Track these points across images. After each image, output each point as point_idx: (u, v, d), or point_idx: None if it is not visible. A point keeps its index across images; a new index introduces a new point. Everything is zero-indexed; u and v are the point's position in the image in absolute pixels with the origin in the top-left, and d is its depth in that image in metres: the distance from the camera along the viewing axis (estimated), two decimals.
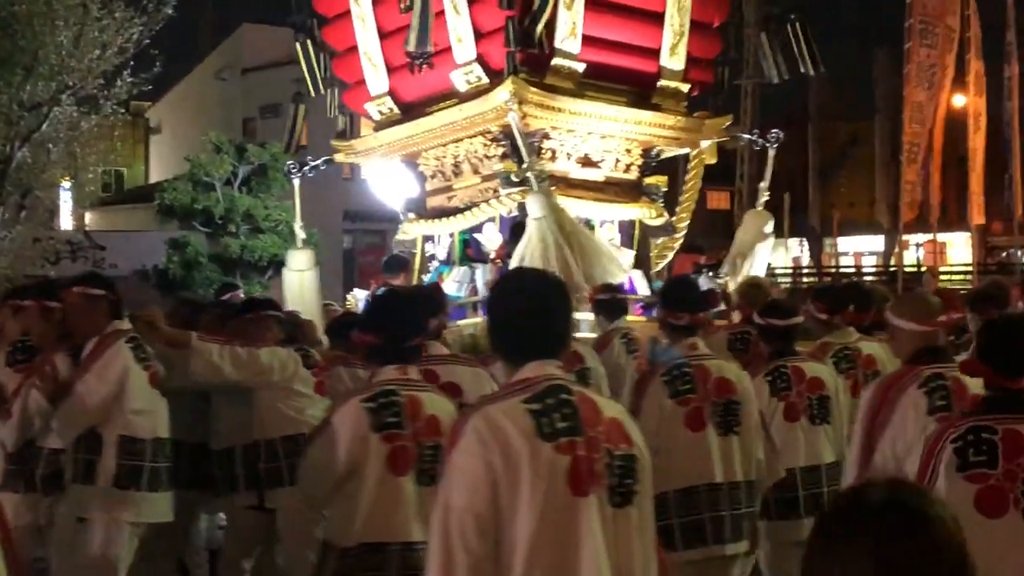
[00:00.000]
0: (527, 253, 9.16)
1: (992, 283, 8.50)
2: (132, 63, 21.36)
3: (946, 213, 28.37)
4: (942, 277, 27.09)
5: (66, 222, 32.06)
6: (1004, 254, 38.38)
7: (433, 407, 4.49)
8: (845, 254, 45.58)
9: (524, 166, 9.54)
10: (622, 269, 9.75)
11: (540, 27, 9.43)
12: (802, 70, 11.54)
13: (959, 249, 40.16)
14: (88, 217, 33.65)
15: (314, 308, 10.66)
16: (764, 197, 11.58)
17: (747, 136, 11.75)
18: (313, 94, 11.41)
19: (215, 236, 26.65)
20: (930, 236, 30.13)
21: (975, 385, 4.65)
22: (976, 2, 25.95)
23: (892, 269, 33.10)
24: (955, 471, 3.81)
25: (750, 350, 7.34)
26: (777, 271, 40.56)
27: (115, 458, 5.76)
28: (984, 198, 25.98)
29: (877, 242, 43.43)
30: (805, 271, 41.62)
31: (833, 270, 40.13)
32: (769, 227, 11.21)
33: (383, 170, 11.44)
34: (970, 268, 29.98)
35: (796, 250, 45.00)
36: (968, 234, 33.55)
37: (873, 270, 40.56)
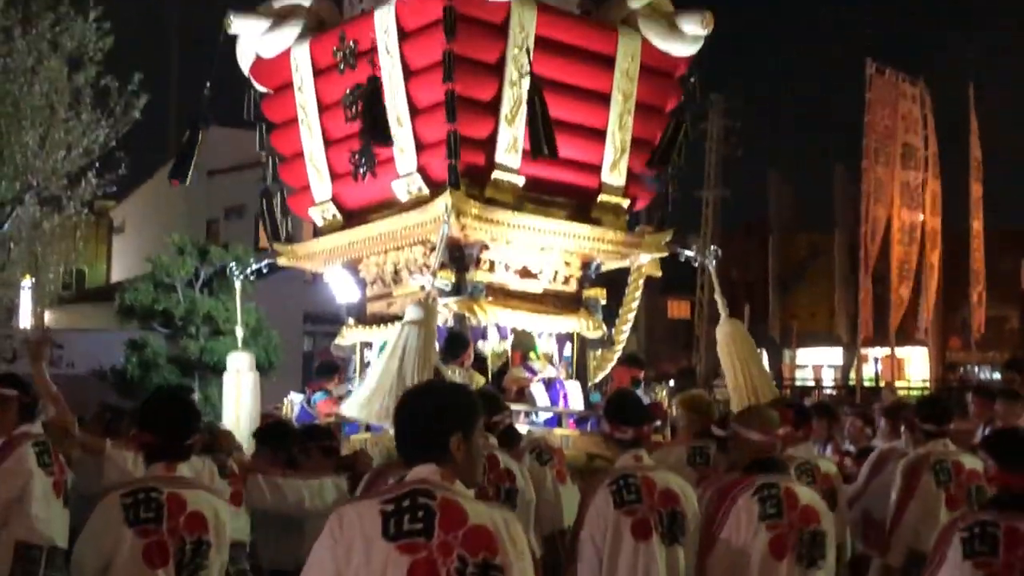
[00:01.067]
0: (387, 352, 9.16)
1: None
2: (97, 164, 21.41)
3: (904, 328, 28.71)
4: (899, 392, 27.22)
5: (25, 320, 31.86)
6: (962, 370, 38.69)
7: (197, 504, 4.71)
8: (804, 366, 45.80)
9: (428, 278, 9.58)
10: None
11: (543, 137, 9.59)
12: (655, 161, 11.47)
13: (917, 365, 40.46)
14: (48, 315, 33.46)
15: (250, 410, 10.68)
16: (725, 310, 11.28)
17: (687, 252, 11.79)
18: (175, 183, 11.48)
19: (175, 337, 26.51)
20: (888, 350, 30.40)
21: (806, 496, 5.23)
22: (935, 122, 26.60)
23: (851, 383, 33.28)
24: (960, 558, 4.56)
25: (711, 463, 7.38)
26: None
27: (11, 563, 5.72)
28: (943, 315, 26.36)
29: (836, 355, 43.69)
30: None
31: (793, 382, 40.28)
32: (745, 331, 10.84)
33: (339, 275, 11.49)
34: (927, 384, 30.28)
35: None
36: (926, 349, 33.93)
37: (832, 383, 40.76)
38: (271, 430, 7.41)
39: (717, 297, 11.43)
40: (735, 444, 5.37)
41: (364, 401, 8.54)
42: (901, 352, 36.19)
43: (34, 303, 28.09)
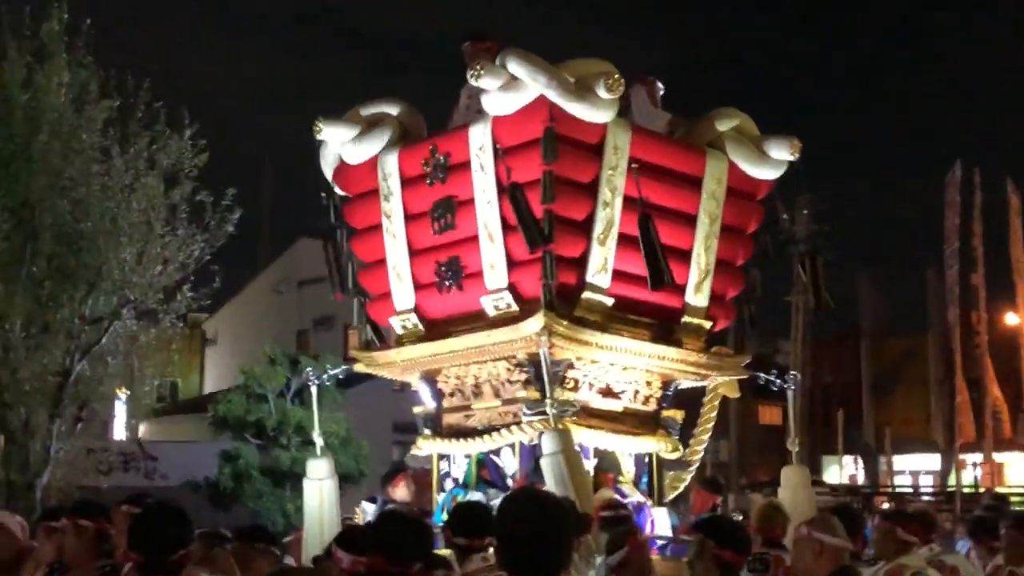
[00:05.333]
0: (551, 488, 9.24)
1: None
2: (192, 278, 21.80)
3: (1002, 433, 28.08)
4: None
5: (119, 432, 32.31)
6: None
7: None
8: (901, 472, 44.84)
9: (548, 401, 9.63)
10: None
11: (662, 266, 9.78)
12: (812, 307, 11.88)
13: (1017, 469, 39.43)
14: (142, 427, 33.93)
15: (331, 517, 10.72)
16: (795, 449, 11.56)
17: (765, 376, 11.78)
18: (333, 296, 11.48)
19: (267, 448, 26.76)
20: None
21: None
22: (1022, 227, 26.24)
23: (950, 490, 32.47)
24: None
25: (771, 571, 7.46)
26: (833, 488, 40.02)
27: None
28: None
29: (933, 460, 42.77)
30: (862, 489, 40.97)
31: (890, 489, 39.39)
32: (808, 480, 11.20)
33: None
34: None
35: (851, 467, 44.36)
36: None
37: (931, 490, 39.83)
38: (353, 535, 7.40)
39: (792, 435, 11.57)
40: (818, 551, 5.42)
41: None
42: (1000, 457, 35.33)
43: (129, 416, 28.55)
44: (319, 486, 11.09)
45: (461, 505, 7.43)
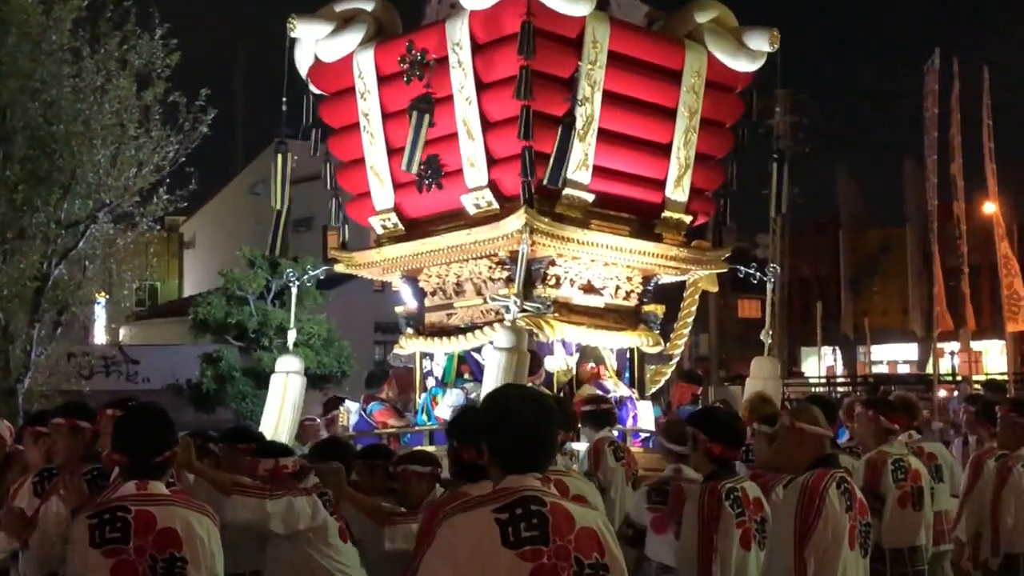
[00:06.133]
0: (487, 378, 9.33)
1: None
2: (168, 180, 21.60)
3: (980, 321, 28.27)
4: (976, 386, 26.77)
5: (100, 337, 32.28)
6: None
7: (169, 521, 4.63)
8: (879, 362, 45.24)
9: (513, 299, 9.59)
10: None
11: (565, 169, 9.64)
12: (771, 212, 11.98)
13: (994, 357, 39.82)
14: (122, 331, 33.89)
15: (291, 411, 10.90)
16: (769, 341, 11.66)
17: (745, 270, 11.83)
18: (276, 206, 11.33)
19: (248, 350, 26.79)
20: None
21: (858, 491, 5.58)
22: (992, 113, 26.12)
23: (928, 377, 32.81)
24: None
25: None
26: (811, 379, 40.43)
27: None
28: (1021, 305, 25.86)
29: (911, 350, 43.15)
30: (839, 379, 41.38)
31: (868, 379, 39.79)
32: (777, 372, 11.31)
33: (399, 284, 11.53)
34: (1005, 377, 29.74)
35: (829, 358, 44.75)
36: (1003, 342, 33.36)
37: (908, 378, 40.22)
38: (332, 446, 7.40)
39: (767, 328, 11.67)
40: (797, 439, 5.54)
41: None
42: (978, 345, 35.65)
43: (109, 320, 28.46)
44: (284, 379, 11.12)
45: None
